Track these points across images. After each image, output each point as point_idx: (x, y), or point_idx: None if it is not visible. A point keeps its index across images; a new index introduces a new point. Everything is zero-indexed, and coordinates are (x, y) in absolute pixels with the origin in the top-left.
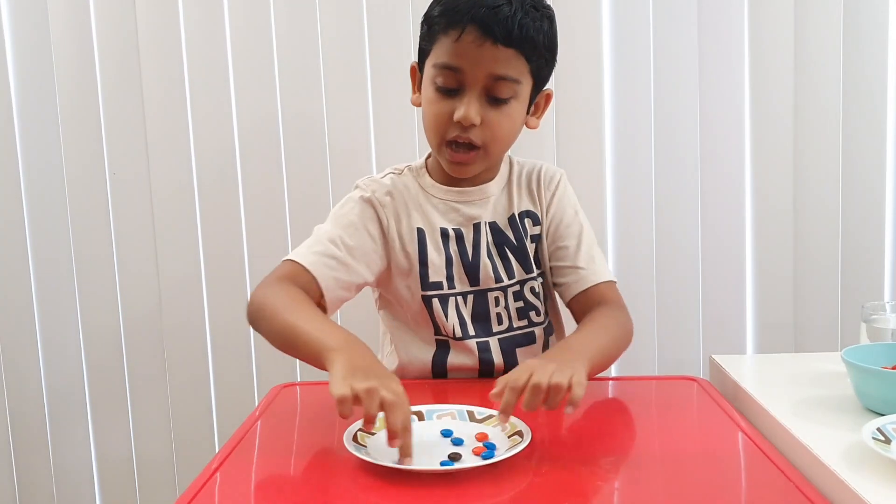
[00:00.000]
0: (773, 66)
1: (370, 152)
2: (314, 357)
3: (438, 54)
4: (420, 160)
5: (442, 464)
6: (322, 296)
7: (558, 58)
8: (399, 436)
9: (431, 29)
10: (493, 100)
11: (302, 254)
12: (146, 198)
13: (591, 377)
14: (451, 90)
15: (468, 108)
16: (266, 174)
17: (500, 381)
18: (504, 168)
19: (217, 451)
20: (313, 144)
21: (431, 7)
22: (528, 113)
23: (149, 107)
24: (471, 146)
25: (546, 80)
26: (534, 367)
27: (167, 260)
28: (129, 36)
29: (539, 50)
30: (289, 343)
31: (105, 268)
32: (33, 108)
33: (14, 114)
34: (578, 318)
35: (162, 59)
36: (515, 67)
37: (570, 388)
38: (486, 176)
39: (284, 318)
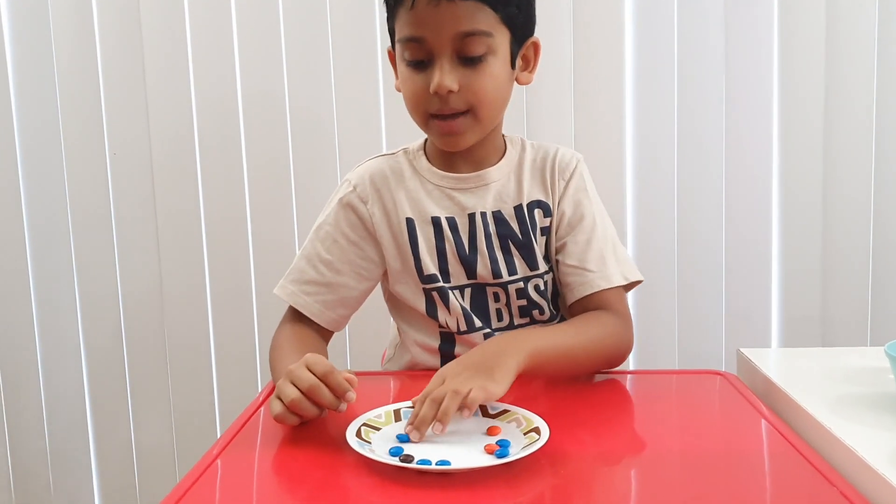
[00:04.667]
0: (803, 49)
1: (380, 137)
2: None
3: (400, 28)
4: (418, 142)
5: (445, 463)
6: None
7: (577, 35)
8: (337, 406)
9: (389, 4)
10: (467, 60)
11: (283, 287)
12: (147, 179)
13: (542, 375)
14: (421, 62)
15: (441, 76)
16: (271, 158)
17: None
18: (514, 152)
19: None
20: (321, 128)
21: None
22: (515, 68)
23: (151, 87)
24: (457, 112)
25: (526, 28)
26: (445, 375)
27: (168, 245)
28: (131, 13)
29: None
30: None
31: (105, 252)
32: (31, 87)
33: (11, 93)
34: None
35: (165, 39)
36: (482, 20)
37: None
38: (485, 156)
39: (272, 366)
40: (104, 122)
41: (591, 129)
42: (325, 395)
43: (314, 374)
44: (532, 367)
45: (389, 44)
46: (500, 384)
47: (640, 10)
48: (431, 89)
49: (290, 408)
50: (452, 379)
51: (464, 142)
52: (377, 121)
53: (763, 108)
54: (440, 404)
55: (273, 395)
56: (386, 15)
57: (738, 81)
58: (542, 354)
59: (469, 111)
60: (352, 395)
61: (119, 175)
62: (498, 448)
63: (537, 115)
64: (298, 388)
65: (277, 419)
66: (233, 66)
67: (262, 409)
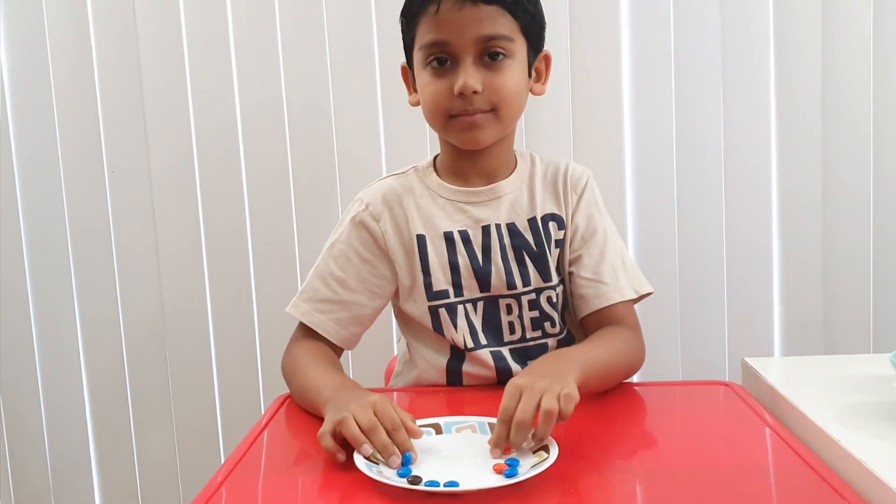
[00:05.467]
0: (799, 53)
1: (380, 151)
2: (319, 414)
3: (422, 35)
4: (427, 160)
5: (454, 484)
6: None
7: (575, 46)
8: (391, 455)
9: (409, 14)
10: (490, 62)
11: (296, 305)
12: (147, 197)
13: (586, 391)
14: (444, 62)
15: (466, 77)
16: (271, 174)
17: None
18: (524, 166)
19: (222, 460)
20: (320, 142)
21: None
22: (530, 77)
23: (149, 104)
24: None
25: (539, 40)
26: (522, 389)
27: (169, 264)
28: (127, 29)
29: (522, 4)
30: (304, 403)
31: (105, 272)
32: (28, 104)
33: (8, 111)
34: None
35: (162, 55)
36: (503, 24)
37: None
38: (497, 169)
39: (295, 381)
40: (102, 139)
41: (590, 140)
42: (381, 438)
43: (382, 424)
44: (581, 384)
45: (404, 60)
46: (576, 392)
47: (637, 19)
48: (456, 90)
49: (338, 425)
50: (530, 391)
51: (484, 137)
52: (376, 134)
53: (761, 117)
54: (529, 427)
55: (328, 423)
56: (401, 29)
57: (736, 89)
58: (588, 372)
59: (491, 110)
60: (413, 455)
61: (118, 192)
62: (507, 467)
63: (536, 127)
64: (357, 423)
65: (321, 439)
66: (231, 82)
67: (265, 431)
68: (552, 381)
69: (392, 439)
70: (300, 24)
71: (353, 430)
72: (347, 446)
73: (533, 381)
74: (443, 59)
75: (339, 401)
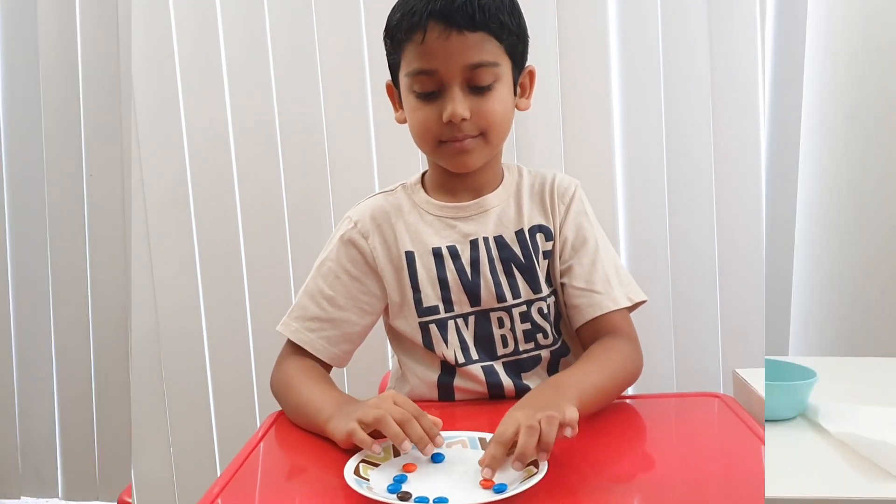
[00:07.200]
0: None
1: (372, 167)
2: (319, 431)
3: (409, 62)
4: (415, 177)
5: (443, 500)
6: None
7: (564, 59)
8: (427, 445)
9: (395, 39)
10: (477, 89)
11: (286, 324)
12: (141, 216)
13: (583, 415)
14: (431, 94)
15: (454, 106)
16: (265, 191)
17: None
18: (511, 178)
19: (219, 474)
20: (313, 159)
21: (389, 19)
22: (515, 95)
23: (142, 121)
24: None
25: (523, 57)
26: (519, 421)
27: (164, 282)
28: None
29: (507, 27)
30: (300, 421)
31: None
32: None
33: None
34: (586, 345)
35: (155, 75)
36: (489, 51)
37: (561, 427)
38: (485, 183)
39: (289, 399)
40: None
41: (579, 151)
42: (416, 429)
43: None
44: (580, 413)
45: (389, 78)
46: (576, 415)
47: (625, 30)
48: (445, 118)
49: (377, 424)
50: (530, 418)
51: (473, 162)
52: (368, 151)
53: (751, 124)
54: (529, 456)
55: (350, 426)
56: (387, 48)
57: (726, 97)
58: (583, 400)
59: (480, 135)
60: (440, 439)
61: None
62: (495, 482)
63: (526, 139)
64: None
65: (356, 441)
66: (223, 100)
67: (261, 444)
68: (549, 410)
69: (420, 426)
70: (292, 42)
71: (393, 428)
72: (341, 452)
73: (531, 414)
74: (431, 91)
75: (346, 415)
